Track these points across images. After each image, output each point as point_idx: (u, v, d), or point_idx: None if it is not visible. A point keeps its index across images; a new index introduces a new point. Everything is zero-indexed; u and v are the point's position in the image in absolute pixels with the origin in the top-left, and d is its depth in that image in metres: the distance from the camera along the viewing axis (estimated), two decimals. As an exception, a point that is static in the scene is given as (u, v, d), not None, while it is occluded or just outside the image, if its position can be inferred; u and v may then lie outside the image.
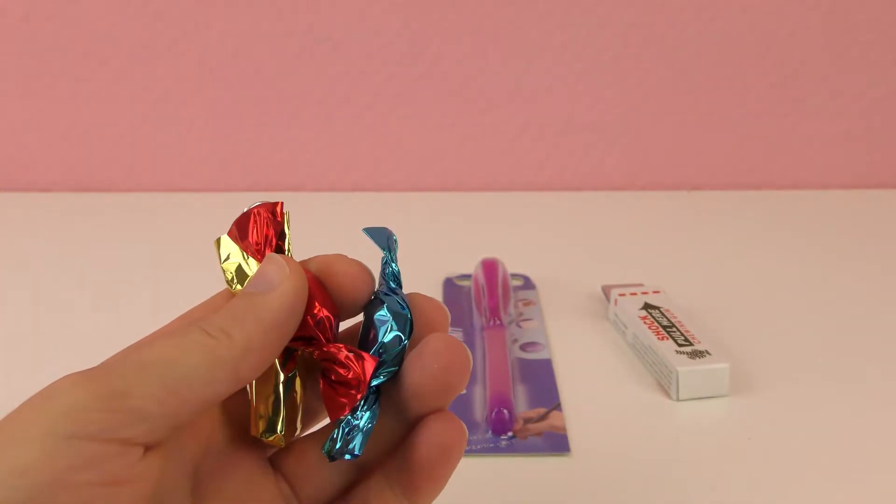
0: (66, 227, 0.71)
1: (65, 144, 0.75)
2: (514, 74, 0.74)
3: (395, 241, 0.31)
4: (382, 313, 0.29)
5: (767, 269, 0.62)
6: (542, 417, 0.46)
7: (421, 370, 0.28)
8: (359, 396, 0.28)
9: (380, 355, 0.29)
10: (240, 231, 0.30)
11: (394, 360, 0.29)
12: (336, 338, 0.29)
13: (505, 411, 0.45)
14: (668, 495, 0.39)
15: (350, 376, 0.28)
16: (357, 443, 0.28)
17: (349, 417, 0.28)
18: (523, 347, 0.52)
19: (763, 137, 0.76)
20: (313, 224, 0.72)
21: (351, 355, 0.28)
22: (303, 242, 0.68)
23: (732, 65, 0.74)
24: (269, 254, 0.29)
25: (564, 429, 0.45)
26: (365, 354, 0.28)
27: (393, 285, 0.30)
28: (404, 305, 0.29)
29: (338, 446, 0.28)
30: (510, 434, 0.45)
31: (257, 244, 0.30)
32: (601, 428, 0.44)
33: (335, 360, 0.28)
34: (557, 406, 0.47)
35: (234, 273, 0.30)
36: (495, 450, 0.44)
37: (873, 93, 0.75)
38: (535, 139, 0.76)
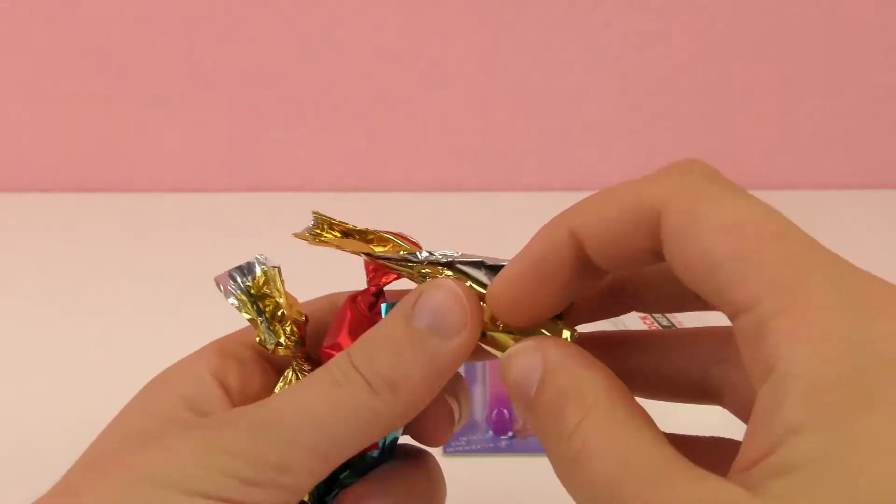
0: (66, 227, 0.71)
1: (65, 144, 0.75)
2: (514, 74, 0.74)
3: None
4: None
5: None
6: (542, 417, 0.46)
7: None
8: None
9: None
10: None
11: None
12: None
13: (505, 411, 0.45)
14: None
15: None
16: None
17: None
18: (523, 347, 0.52)
19: (763, 137, 0.76)
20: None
21: None
22: (302, 243, 0.68)
23: (732, 65, 0.74)
24: (445, 280, 0.25)
25: (564, 429, 0.45)
26: None
27: None
28: None
29: None
30: (510, 434, 0.45)
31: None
32: (601, 428, 0.44)
33: None
34: (557, 406, 0.47)
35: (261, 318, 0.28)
36: (495, 450, 0.44)
37: (873, 93, 0.75)
38: (535, 139, 0.76)
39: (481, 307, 0.24)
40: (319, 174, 0.76)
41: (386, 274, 0.28)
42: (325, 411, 0.23)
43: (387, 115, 0.75)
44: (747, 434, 0.19)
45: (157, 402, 0.25)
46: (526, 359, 0.22)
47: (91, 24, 0.71)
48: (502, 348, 0.24)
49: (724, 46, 0.73)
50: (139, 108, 0.74)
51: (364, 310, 0.28)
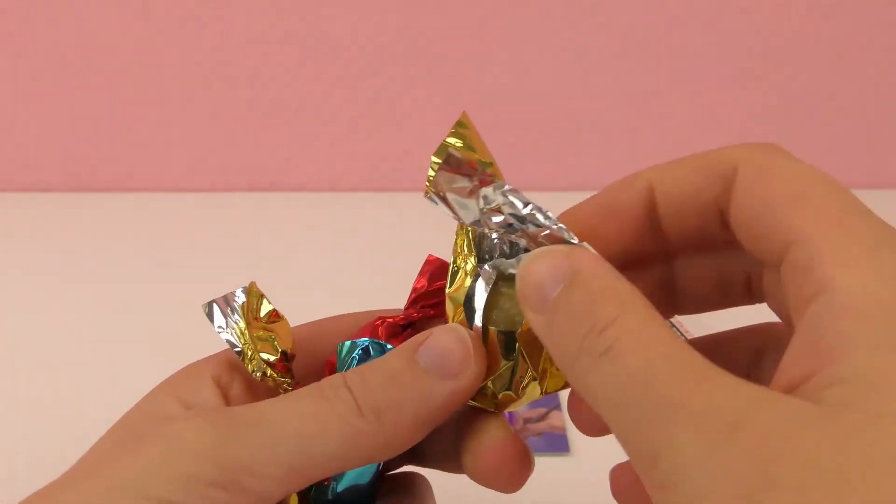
0: (66, 227, 0.71)
1: (65, 144, 0.75)
2: (514, 74, 0.74)
3: None
4: None
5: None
6: (542, 417, 0.46)
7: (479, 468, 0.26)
8: None
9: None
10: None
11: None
12: None
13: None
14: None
15: None
16: None
17: None
18: (523, 347, 0.52)
19: (763, 137, 0.76)
20: (313, 224, 0.72)
21: None
22: (302, 243, 0.68)
23: (732, 65, 0.74)
24: (454, 325, 0.25)
25: (564, 429, 0.45)
26: None
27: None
28: None
29: None
30: (510, 434, 0.45)
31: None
32: (601, 428, 0.44)
33: None
34: (557, 406, 0.47)
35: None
36: (495, 450, 0.44)
37: (873, 93, 0.75)
38: (536, 139, 0.76)
39: (485, 357, 0.24)
40: (319, 174, 0.76)
41: (424, 307, 0.28)
42: (306, 421, 0.22)
43: (387, 115, 0.75)
44: (790, 353, 0.19)
45: (155, 404, 0.25)
46: (554, 260, 0.22)
47: (90, 23, 0.71)
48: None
49: (725, 46, 0.73)
50: (139, 108, 0.74)
51: (383, 336, 0.27)
